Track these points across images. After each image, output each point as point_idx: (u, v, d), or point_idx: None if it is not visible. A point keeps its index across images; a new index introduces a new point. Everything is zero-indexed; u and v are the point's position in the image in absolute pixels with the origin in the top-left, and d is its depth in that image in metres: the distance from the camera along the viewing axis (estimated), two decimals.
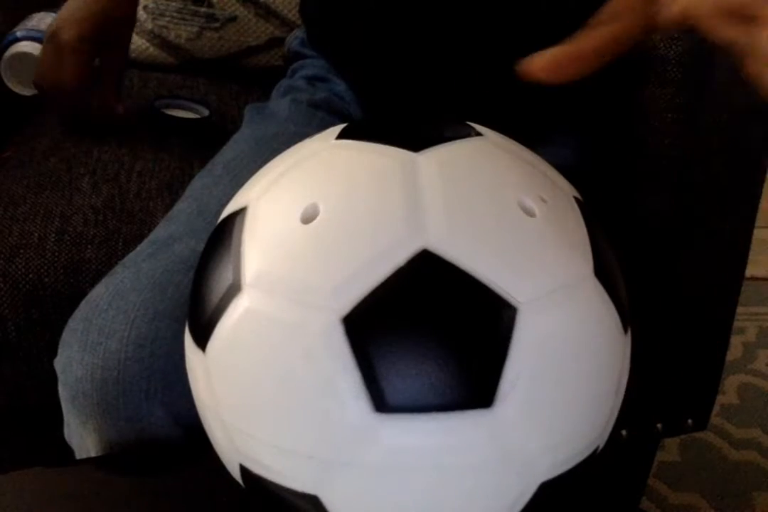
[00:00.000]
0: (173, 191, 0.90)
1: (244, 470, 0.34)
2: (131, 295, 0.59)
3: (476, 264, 0.30)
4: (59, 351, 0.61)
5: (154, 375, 0.56)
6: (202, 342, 0.33)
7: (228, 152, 0.77)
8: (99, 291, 0.62)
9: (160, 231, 0.68)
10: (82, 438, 0.60)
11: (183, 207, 0.70)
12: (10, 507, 0.50)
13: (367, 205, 0.31)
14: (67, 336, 0.61)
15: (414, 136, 0.34)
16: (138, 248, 0.67)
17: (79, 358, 0.58)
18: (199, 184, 0.73)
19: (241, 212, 0.34)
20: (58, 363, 0.60)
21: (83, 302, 0.62)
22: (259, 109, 0.86)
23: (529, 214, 0.32)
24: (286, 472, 0.32)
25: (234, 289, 0.32)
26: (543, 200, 0.33)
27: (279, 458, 0.32)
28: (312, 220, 0.31)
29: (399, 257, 0.30)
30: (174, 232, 0.66)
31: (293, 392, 0.30)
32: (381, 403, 0.29)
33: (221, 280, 0.33)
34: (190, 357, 0.36)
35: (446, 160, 0.33)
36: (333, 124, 0.38)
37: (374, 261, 0.30)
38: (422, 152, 0.33)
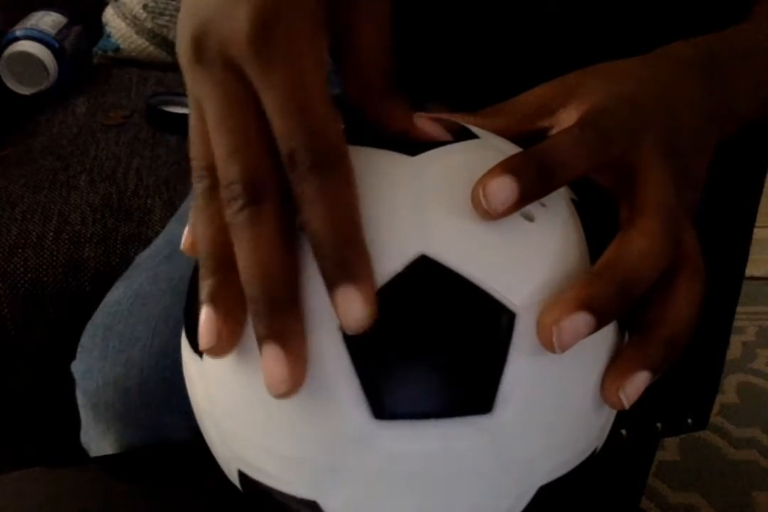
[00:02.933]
0: (171, 188, 0.90)
1: (242, 475, 0.34)
2: (151, 302, 0.59)
3: (474, 269, 0.30)
4: (78, 356, 0.60)
5: (177, 384, 0.55)
6: (199, 348, 0.33)
7: None
8: (117, 296, 0.61)
9: (174, 230, 0.67)
10: (101, 445, 0.60)
11: None
12: (10, 507, 0.50)
13: (365, 209, 0.31)
14: (85, 341, 0.60)
15: (411, 140, 0.34)
16: (153, 248, 0.66)
17: (99, 366, 0.57)
18: None
19: None
20: (77, 369, 0.59)
21: (101, 306, 0.62)
22: None
23: (528, 218, 0.32)
24: (285, 478, 0.32)
25: None
26: (542, 205, 0.33)
27: (278, 464, 0.32)
28: None
29: (397, 262, 0.29)
30: None
31: (292, 398, 0.30)
32: (380, 410, 0.29)
33: None
34: (187, 363, 0.35)
35: (444, 164, 0.33)
36: (344, 122, 0.38)
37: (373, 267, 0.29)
38: (419, 156, 0.33)
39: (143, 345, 0.56)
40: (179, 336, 0.56)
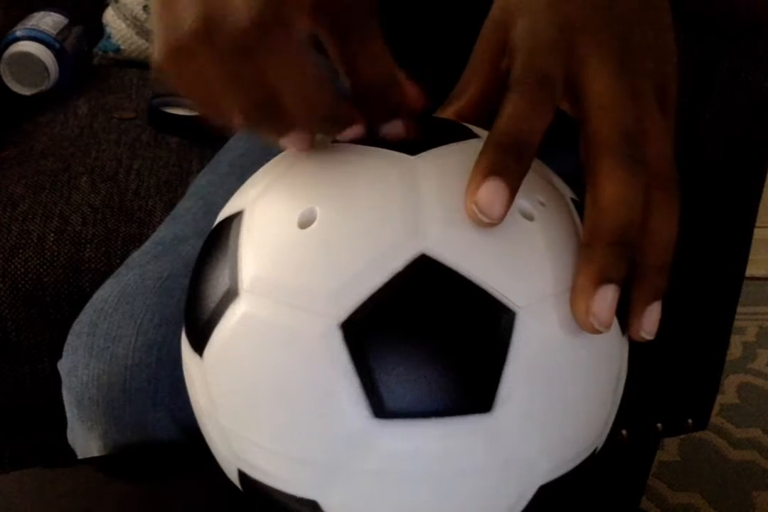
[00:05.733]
0: (172, 189, 0.90)
1: (242, 475, 0.34)
2: (137, 299, 0.59)
3: (474, 268, 0.30)
4: (64, 354, 0.60)
5: (161, 382, 0.56)
6: (199, 347, 0.33)
7: (232, 149, 0.77)
8: (104, 294, 0.61)
9: (165, 230, 0.67)
10: (87, 443, 0.60)
11: (188, 205, 0.69)
12: (10, 507, 0.50)
13: (364, 209, 0.31)
14: (72, 339, 0.60)
15: (411, 139, 0.34)
16: (143, 248, 0.66)
17: (85, 363, 0.57)
18: (204, 181, 0.73)
19: (237, 216, 0.34)
20: (63, 367, 0.60)
21: (88, 304, 0.62)
22: None
23: (528, 217, 0.32)
24: (285, 477, 0.32)
25: (231, 294, 0.32)
26: (541, 204, 0.33)
27: (278, 463, 0.32)
28: (309, 224, 0.31)
29: (397, 262, 0.29)
30: (180, 232, 0.65)
31: (292, 398, 0.30)
32: (380, 409, 0.29)
33: (218, 285, 0.32)
34: (187, 362, 0.35)
35: (444, 163, 0.33)
36: None
37: (372, 266, 0.29)
38: (419, 155, 0.33)
39: (128, 342, 0.56)
40: (165, 334, 0.56)
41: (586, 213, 0.32)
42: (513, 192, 0.30)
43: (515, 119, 0.32)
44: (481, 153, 0.31)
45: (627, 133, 0.32)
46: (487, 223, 0.30)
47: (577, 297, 0.31)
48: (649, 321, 0.33)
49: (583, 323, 0.31)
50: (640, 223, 0.32)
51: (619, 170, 0.32)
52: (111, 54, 1.28)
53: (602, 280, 0.31)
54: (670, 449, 1.23)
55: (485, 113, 0.37)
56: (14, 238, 0.83)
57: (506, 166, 0.31)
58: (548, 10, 0.35)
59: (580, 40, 0.34)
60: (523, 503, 0.33)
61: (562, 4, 0.35)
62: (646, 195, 0.32)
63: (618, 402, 0.36)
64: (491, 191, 0.30)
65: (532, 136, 0.32)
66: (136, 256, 0.65)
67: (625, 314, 0.34)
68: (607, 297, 0.30)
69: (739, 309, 0.73)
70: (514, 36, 0.35)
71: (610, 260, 0.31)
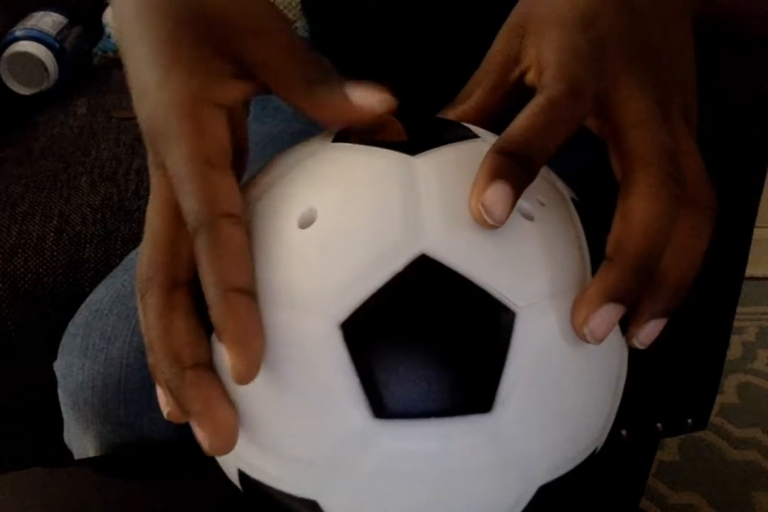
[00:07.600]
0: None
1: (242, 475, 0.34)
2: (132, 300, 0.59)
3: (474, 268, 0.30)
4: (59, 355, 0.60)
5: None
6: None
7: None
8: (99, 295, 0.61)
9: None
10: (83, 443, 0.60)
11: None
12: (10, 507, 0.50)
13: (364, 209, 0.31)
14: (67, 340, 0.60)
15: (411, 139, 0.34)
16: (139, 248, 0.66)
17: (80, 364, 0.57)
18: None
19: None
20: (58, 368, 0.60)
21: (83, 305, 0.62)
22: (264, 103, 0.85)
23: (528, 217, 0.32)
24: (285, 477, 0.32)
25: None
26: (541, 203, 0.33)
27: (277, 463, 0.32)
28: (309, 224, 0.31)
29: (397, 262, 0.29)
30: None
31: (291, 398, 0.30)
32: (380, 409, 0.29)
33: None
34: None
35: (444, 163, 0.33)
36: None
37: (372, 267, 0.29)
38: (419, 155, 0.33)
39: (123, 343, 0.56)
40: None
41: (614, 224, 0.32)
42: (516, 197, 0.30)
43: (536, 128, 0.32)
44: (492, 152, 0.31)
45: (665, 150, 0.32)
46: (491, 224, 0.30)
47: (580, 304, 0.31)
48: (648, 334, 0.33)
49: (577, 330, 0.31)
50: (669, 241, 0.32)
51: (655, 186, 0.31)
52: (111, 54, 1.28)
53: (611, 299, 0.30)
54: (670, 449, 1.23)
55: (487, 119, 0.37)
56: (14, 238, 0.83)
57: (515, 172, 0.30)
58: (581, 27, 0.34)
59: (612, 59, 0.34)
60: (523, 503, 0.33)
61: (595, 22, 0.35)
62: (678, 213, 0.32)
63: (618, 402, 0.36)
64: (498, 193, 0.30)
65: (547, 149, 0.31)
66: (132, 257, 0.65)
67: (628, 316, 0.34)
68: (609, 316, 0.30)
69: (739, 309, 0.73)
70: (544, 48, 0.35)
71: (626, 282, 0.31)
